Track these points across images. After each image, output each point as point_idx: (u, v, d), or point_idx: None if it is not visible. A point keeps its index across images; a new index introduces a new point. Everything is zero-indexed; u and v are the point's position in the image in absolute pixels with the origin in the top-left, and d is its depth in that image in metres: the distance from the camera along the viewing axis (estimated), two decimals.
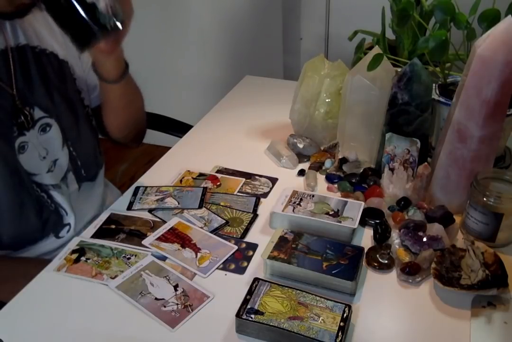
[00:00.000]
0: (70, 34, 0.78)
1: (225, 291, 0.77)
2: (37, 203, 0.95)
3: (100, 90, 1.04)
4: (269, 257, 0.78)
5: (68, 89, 1.01)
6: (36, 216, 0.96)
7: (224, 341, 0.70)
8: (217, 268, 0.81)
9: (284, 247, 0.79)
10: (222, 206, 0.95)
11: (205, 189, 0.98)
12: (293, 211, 0.88)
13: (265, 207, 0.95)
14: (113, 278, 0.79)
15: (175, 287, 0.77)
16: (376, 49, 0.96)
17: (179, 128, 1.30)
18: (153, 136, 1.26)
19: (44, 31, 0.96)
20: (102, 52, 0.90)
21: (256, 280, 0.75)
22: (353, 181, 0.99)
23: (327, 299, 0.71)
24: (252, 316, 0.69)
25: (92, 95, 1.10)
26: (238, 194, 0.99)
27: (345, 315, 0.69)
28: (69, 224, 1.01)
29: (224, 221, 0.91)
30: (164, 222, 0.91)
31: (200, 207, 0.94)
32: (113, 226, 0.90)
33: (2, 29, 0.89)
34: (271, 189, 1.00)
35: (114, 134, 1.13)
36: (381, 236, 0.85)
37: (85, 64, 1.06)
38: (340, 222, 0.85)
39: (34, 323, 0.73)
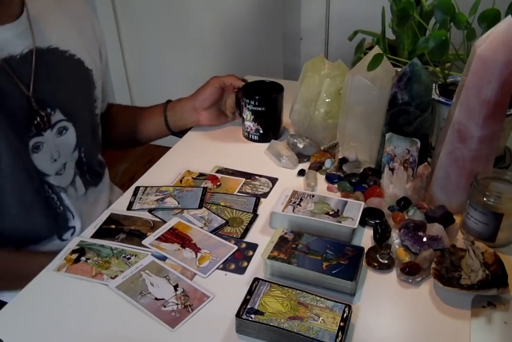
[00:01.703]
0: (268, 130, 1.14)
1: (225, 291, 0.77)
2: (45, 203, 0.96)
3: (150, 131, 1.21)
4: (269, 257, 0.78)
5: (89, 96, 1.03)
6: (42, 215, 0.96)
7: (224, 341, 0.70)
8: (217, 268, 0.81)
9: (284, 247, 0.79)
10: (222, 206, 0.95)
11: (205, 189, 0.98)
12: (293, 211, 0.88)
13: (265, 207, 0.95)
14: (113, 278, 0.79)
15: (175, 287, 0.77)
16: (376, 49, 0.96)
17: None
18: None
19: (76, 38, 0.99)
20: (206, 124, 1.18)
21: (256, 280, 0.75)
22: (353, 181, 0.99)
23: (327, 299, 0.71)
24: (252, 316, 0.69)
25: (103, 103, 1.15)
26: (238, 194, 0.99)
27: (345, 315, 0.69)
28: (74, 227, 1.01)
29: (224, 221, 0.91)
30: (164, 222, 0.91)
31: (200, 207, 0.94)
32: (113, 226, 0.90)
33: (33, 30, 0.90)
34: (271, 189, 1.00)
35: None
36: (381, 236, 0.85)
37: (104, 74, 1.12)
38: (340, 222, 0.85)
39: (34, 323, 0.73)
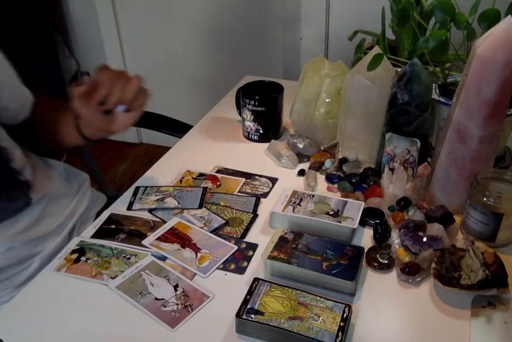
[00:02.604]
0: (268, 129, 1.14)
1: (225, 291, 0.77)
2: None
3: (66, 135, 0.99)
4: (269, 257, 0.78)
5: None
6: None
7: (224, 341, 0.70)
8: (217, 268, 0.81)
9: (284, 247, 0.79)
10: (222, 206, 0.95)
11: (205, 189, 0.98)
12: (293, 211, 0.88)
13: (265, 207, 0.95)
14: (113, 278, 0.79)
15: (175, 287, 0.77)
16: (376, 49, 0.96)
17: (179, 128, 1.30)
18: (153, 136, 1.26)
19: None
20: (114, 132, 0.90)
21: (256, 280, 0.75)
22: (353, 181, 0.99)
23: (327, 299, 0.71)
24: (252, 316, 0.69)
25: (21, 116, 0.98)
26: (238, 194, 0.99)
27: (345, 315, 0.69)
28: None
29: (224, 221, 0.91)
30: (164, 222, 0.91)
31: (200, 207, 0.94)
32: (113, 226, 0.90)
33: None
34: (271, 189, 1.00)
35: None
36: (381, 236, 0.85)
37: (12, 93, 0.93)
38: (340, 222, 0.85)
39: (34, 323, 0.73)
